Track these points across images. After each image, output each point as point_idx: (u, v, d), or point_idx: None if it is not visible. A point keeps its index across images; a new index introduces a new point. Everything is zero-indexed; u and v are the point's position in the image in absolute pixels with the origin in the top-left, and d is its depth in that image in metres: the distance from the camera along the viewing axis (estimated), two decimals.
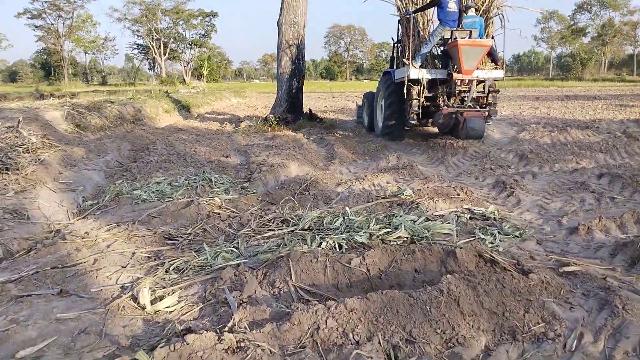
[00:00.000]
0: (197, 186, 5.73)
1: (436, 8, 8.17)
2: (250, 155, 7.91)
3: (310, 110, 12.21)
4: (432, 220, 3.89)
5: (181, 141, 8.94)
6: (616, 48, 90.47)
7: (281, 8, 11.87)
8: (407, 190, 4.77)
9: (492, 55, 8.25)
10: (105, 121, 10.41)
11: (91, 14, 72.05)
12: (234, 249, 3.42)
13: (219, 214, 4.49)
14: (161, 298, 2.76)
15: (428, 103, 8.34)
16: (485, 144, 8.92)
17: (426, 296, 2.38)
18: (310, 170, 6.82)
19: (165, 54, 73.67)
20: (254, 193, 5.67)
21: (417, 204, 4.46)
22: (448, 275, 2.53)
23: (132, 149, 8.44)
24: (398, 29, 9.51)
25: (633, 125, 10.99)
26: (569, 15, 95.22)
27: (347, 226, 3.75)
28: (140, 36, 74.66)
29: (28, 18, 64.92)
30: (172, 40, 75.31)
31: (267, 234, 3.75)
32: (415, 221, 3.83)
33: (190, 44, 79.52)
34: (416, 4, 8.91)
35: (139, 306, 2.68)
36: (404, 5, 9.12)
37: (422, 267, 2.84)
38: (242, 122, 12.95)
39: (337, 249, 3.23)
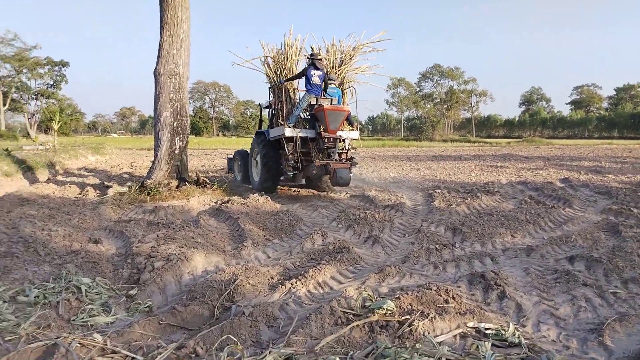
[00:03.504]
0: (58, 302, 3.73)
1: (304, 79, 9.73)
2: (129, 238, 5.94)
3: (197, 174, 10.40)
4: None
5: (29, 219, 6.57)
6: (454, 112, 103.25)
7: (158, 56, 10.14)
8: (386, 301, 3.40)
9: (348, 119, 9.98)
10: None
11: None
12: None
13: None
14: None
15: (301, 157, 9.63)
16: (405, 213, 8.07)
17: None
18: (220, 260, 5.14)
19: (5, 105, 64.79)
20: (148, 309, 3.85)
21: (409, 325, 3.12)
22: None
23: None
24: (269, 94, 11.10)
25: (525, 189, 11.21)
26: (415, 83, 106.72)
27: None
28: None
29: None
30: (13, 89, 66.86)
31: None
32: None
33: (36, 95, 71.56)
34: (281, 74, 10.70)
35: None
36: (274, 74, 10.81)
37: None
38: (109, 187, 10.62)
39: None
